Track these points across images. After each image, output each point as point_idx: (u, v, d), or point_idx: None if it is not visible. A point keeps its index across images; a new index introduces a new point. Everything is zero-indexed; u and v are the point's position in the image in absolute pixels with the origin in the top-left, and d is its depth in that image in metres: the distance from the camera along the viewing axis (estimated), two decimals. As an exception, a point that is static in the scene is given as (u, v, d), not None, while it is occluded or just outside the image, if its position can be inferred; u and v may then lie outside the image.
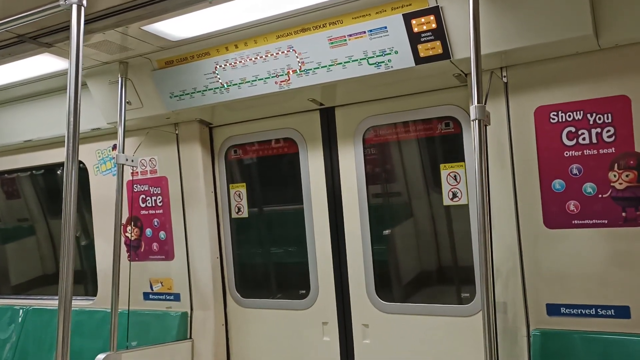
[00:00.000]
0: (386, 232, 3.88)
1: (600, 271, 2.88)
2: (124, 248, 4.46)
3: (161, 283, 4.39)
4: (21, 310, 5.07)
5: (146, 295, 4.45)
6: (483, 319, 2.49)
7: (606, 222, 2.85)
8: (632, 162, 2.79)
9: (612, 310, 2.86)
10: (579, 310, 2.94)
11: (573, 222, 2.93)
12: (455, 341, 3.48)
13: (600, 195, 2.87)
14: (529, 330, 3.06)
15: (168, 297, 4.36)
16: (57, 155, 4.93)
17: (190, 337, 4.23)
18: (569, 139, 2.94)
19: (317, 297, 3.98)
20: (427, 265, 3.93)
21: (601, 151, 2.86)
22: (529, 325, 3.07)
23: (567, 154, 2.94)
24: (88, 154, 4.68)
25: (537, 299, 3.04)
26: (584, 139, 2.90)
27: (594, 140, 2.88)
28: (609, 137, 2.84)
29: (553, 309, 3.00)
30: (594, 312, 2.90)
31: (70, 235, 2.38)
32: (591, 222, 2.89)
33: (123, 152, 3.81)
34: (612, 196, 2.84)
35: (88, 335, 4.48)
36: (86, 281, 5.10)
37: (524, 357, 3.07)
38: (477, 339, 3.22)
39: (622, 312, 2.84)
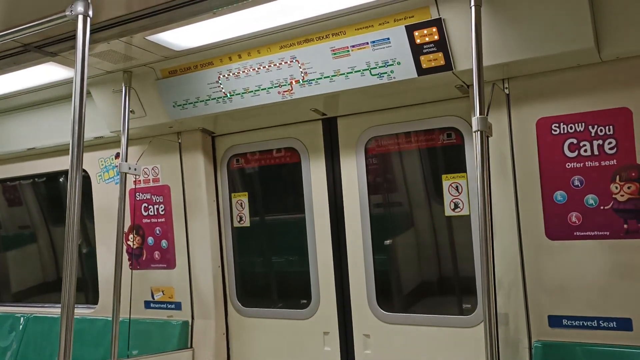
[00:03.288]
0: (387, 242, 3.88)
1: (602, 283, 2.88)
2: (125, 256, 4.47)
3: (162, 292, 4.39)
4: (22, 318, 5.06)
5: (147, 304, 4.45)
6: (485, 330, 2.49)
7: (608, 233, 2.86)
8: (633, 174, 2.80)
9: (614, 323, 2.86)
10: (581, 322, 2.93)
11: (575, 233, 2.94)
12: (456, 352, 3.47)
13: (602, 207, 2.87)
14: (531, 341, 3.06)
15: (169, 306, 4.36)
16: (59, 163, 4.95)
17: (191, 346, 4.23)
18: (570, 150, 2.94)
19: (319, 307, 3.98)
20: (428, 275, 3.93)
21: (603, 163, 2.86)
22: (530, 337, 3.06)
23: (568, 165, 2.95)
24: (91, 162, 4.69)
25: (539, 311, 3.04)
26: (585, 150, 2.91)
27: (596, 152, 2.89)
28: (610, 149, 2.85)
29: (555, 321, 3.00)
30: (595, 324, 2.90)
31: (74, 243, 2.38)
32: (593, 233, 2.89)
33: (126, 161, 3.82)
34: (613, 208, 2.85)
35: (89, 344, 4.48)
36: (87, 289, 5.09)
37: (526, 369, 3.07)
38: (479, 350, 3.22)
39: (624, 324, 2.83)
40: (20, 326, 5.03)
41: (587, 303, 2.92)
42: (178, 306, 4.33)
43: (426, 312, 3.66)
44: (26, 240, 5.74)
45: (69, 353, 2.14)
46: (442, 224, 3.74)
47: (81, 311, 4.75)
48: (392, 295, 3.90)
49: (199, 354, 4.20)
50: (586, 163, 2.91)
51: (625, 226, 2.82)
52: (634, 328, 2.81)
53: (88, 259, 5.04)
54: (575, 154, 2.93)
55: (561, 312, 2.98)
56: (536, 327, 3.05)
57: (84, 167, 4.69)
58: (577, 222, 2.93)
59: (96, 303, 4.74)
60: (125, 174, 3.83)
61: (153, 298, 4.44)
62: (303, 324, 4.03)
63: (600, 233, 2.87)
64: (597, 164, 2.88)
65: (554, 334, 3.00)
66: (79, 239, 4.91)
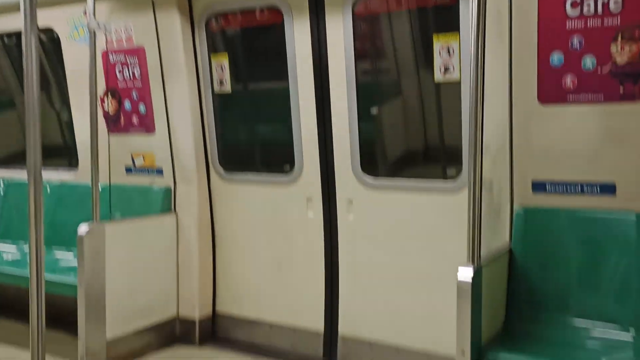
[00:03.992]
0: (374, 108, 3.76)
1: (590, 147, 2.82)
2: (102, 121, 4.32)
3: (143, 157, 4.31)
4: (1, 181, 5.03)
5: (128, 170, 4.39)
6: (469, 196, 2.46)
7: (602, 97, 2.74)
8: (637, 33, 2.62)
9: (598, 187, 2.84)
10: (564, 187, 2.91)
11: (568, 97, 2.82)
12: (439, 218, 3.47)
13: (599, 70, 2.73)
14: (513, 207, 3.06)
15: (151, 172, 4.31)
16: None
17: (175, 211, 4.24)
18: (572, 7, 2.74)
19: (302, 173, 3.91)
20: (414, 143, 3.86)
21: (606, 21, 2.68)
22: (512, 203, 3.06)
23: (569, 24, 2.76)
24: (59, 19, 4.38)
25: (524, 176, 3.01)
26: (588, 8, 2.71)
27: (599, 11, 2.69)
28: (615, 3, 2.64)
29: (538, 186, 2.98)
30: (579, 189, 2.88)
31: (35, 105, 2.21)
32: (587, 96, 2.77)
33: (94, 17, 3.54)
34: (611, 71, 2.71)
35: (72, 208, 4.48)
36: (70, 154, 4.98)
37: (506, 234, 3.09)
38: (461, 216, 3.21)
39: (608, 188, 2.81)
40: (1, 190, 5.00)
41: (572, 168, 2.88)
42: (160, 172, 4.28)
43: (410, 178, 3.63)
44: (4, 105, 5.54)
45: (40, 217, 2.06)
46: (431, 90, 3.60)
47: (63, 176, 4.70)
48: (376, 162, 3.85)
49: (182, 218, 4.22)
50: (588, 22, 2.71)
51: (620, 89, 2.70)
52: (617, 192, 2.80)
53: (67, 123, 4.89)
54: (578, 12, 2.73)
55: (545, 177, 2.95)
56: (519, 193, 3.04)
57: (52, 26, 4.42)
58: (571, 86, 2.81)
59: (77, 167, 4.68)
60: (94, 31, 3.57)
61: (134, 164, 4.37)
62: (286, 189, 4.00)
63: (595, 96, 2.76)
64: (599, 22, 2.69)
65: (536, 199, 2.99)
66: (56, 102, 4.67)
